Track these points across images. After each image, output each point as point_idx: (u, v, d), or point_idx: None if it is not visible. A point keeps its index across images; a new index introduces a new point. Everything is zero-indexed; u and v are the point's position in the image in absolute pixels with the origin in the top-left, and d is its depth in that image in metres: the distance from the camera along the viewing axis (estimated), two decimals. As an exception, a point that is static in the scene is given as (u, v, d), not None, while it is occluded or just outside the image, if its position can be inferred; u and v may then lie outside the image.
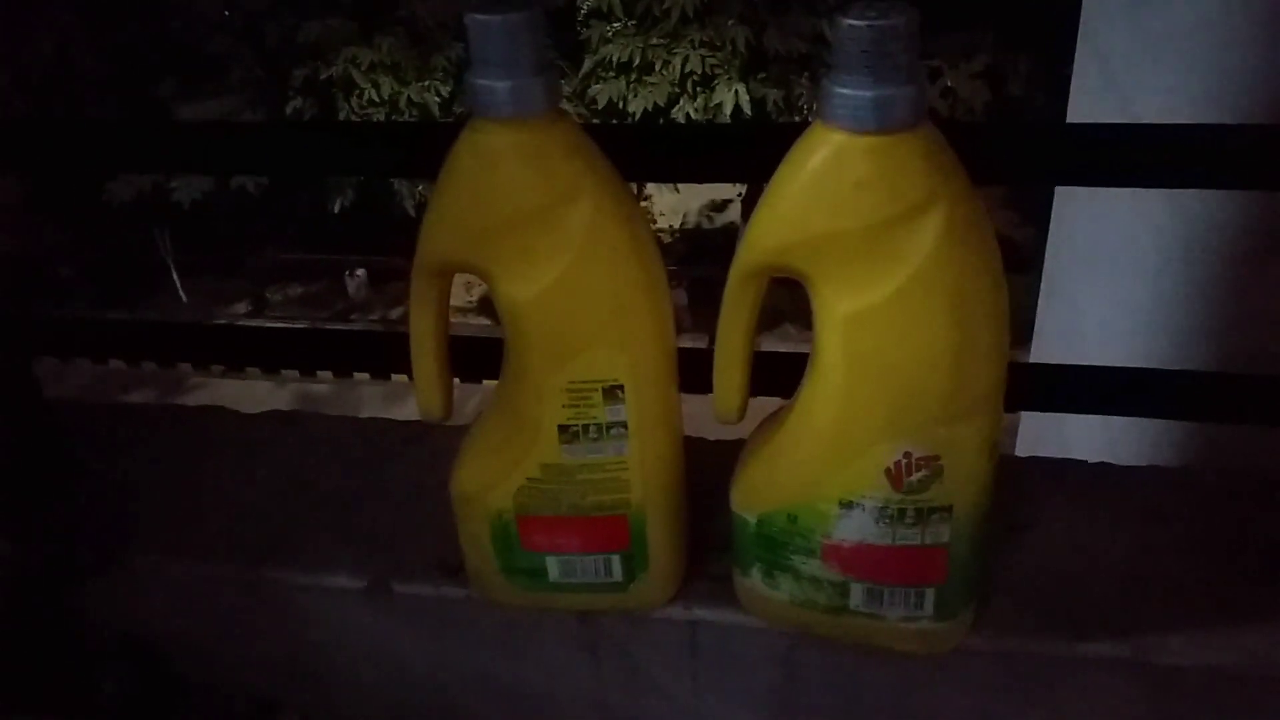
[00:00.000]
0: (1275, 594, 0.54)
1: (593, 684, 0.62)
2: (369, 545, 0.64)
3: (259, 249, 7.47)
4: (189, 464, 0.72)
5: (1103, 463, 0.64)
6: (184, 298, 7.59)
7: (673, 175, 0.72)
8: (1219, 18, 1.26)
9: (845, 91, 0.41)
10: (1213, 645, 0.52)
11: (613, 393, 0.49)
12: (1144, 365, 1.41)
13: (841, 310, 0.44)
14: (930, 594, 0.51)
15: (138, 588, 0.65)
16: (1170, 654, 0.53)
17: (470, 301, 7.19)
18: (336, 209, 6.24)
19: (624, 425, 0.50)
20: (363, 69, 5.65)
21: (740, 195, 5.73)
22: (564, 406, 0.50)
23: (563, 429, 0.51)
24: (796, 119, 4.98)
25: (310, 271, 7.85)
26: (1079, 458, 0.66)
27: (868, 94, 0.41)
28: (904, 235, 0.43)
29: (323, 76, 5.77)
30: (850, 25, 0.40)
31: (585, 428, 0.50)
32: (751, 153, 0.53)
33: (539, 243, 0.47)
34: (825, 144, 0.43)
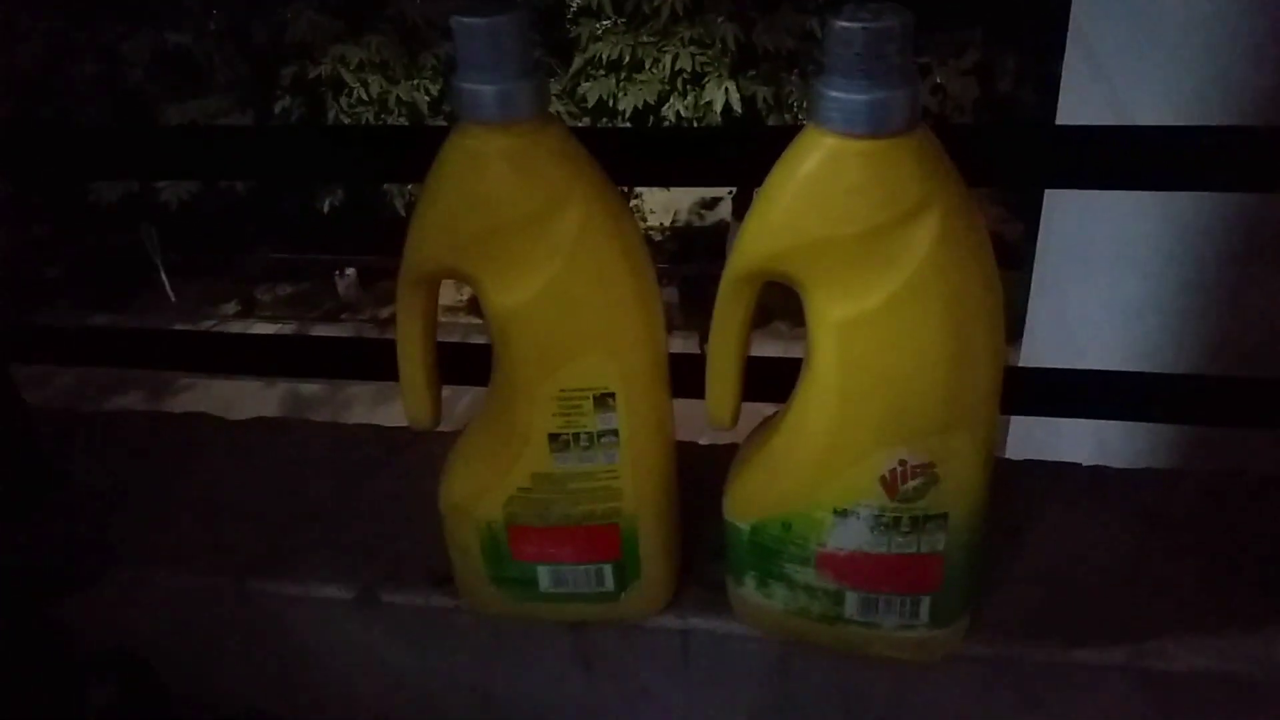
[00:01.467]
0: (1273, 599, 0.54)
1: (584, 694, 0.61)
2: (358, 555, 0.63)
3: (248, 249, 7.44)
4: (175, 472, 0.71)
5: (1098, 466, 0.64)
6: (172, 298, 7.55)
7: (663, 179, 0.71)
8: (1211, 17, 1.26)
9: (838, 95, 0.41)
10: (1211, 650, 0.52)
11: (604, 400, 0.49)
12: (1135, 362, 1.42)
13: (835, 316, 0.44)
14: (926, 602, 0.50)
15: (124, 600, 0.64)
16: (1168, 659, 0.52)
17: (460, 300, 7.18)
18: (326, 209, 6.21)
19: (615, 433, 0.50)
20: (351, 68, 5.63)
21: (731, 193, 5.73)
22: (554, 415, 0.49)
23: (553, 438, 0.50)
24: (787, 116, 4.97)
25: (300, 271, 7.82)
26: (1070, 459, 0.65)
27: (862, 97, 0.40)
28: (899, 240, 0.42)
29: (311, 75, 5.74)
30: (844, 27, 0.40)
31: (576, 436, 0.50)
32: (743, 156, 0.53)
33: (528, 249, 0.46)
34: (818, 148, 0.42)
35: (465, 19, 0.43)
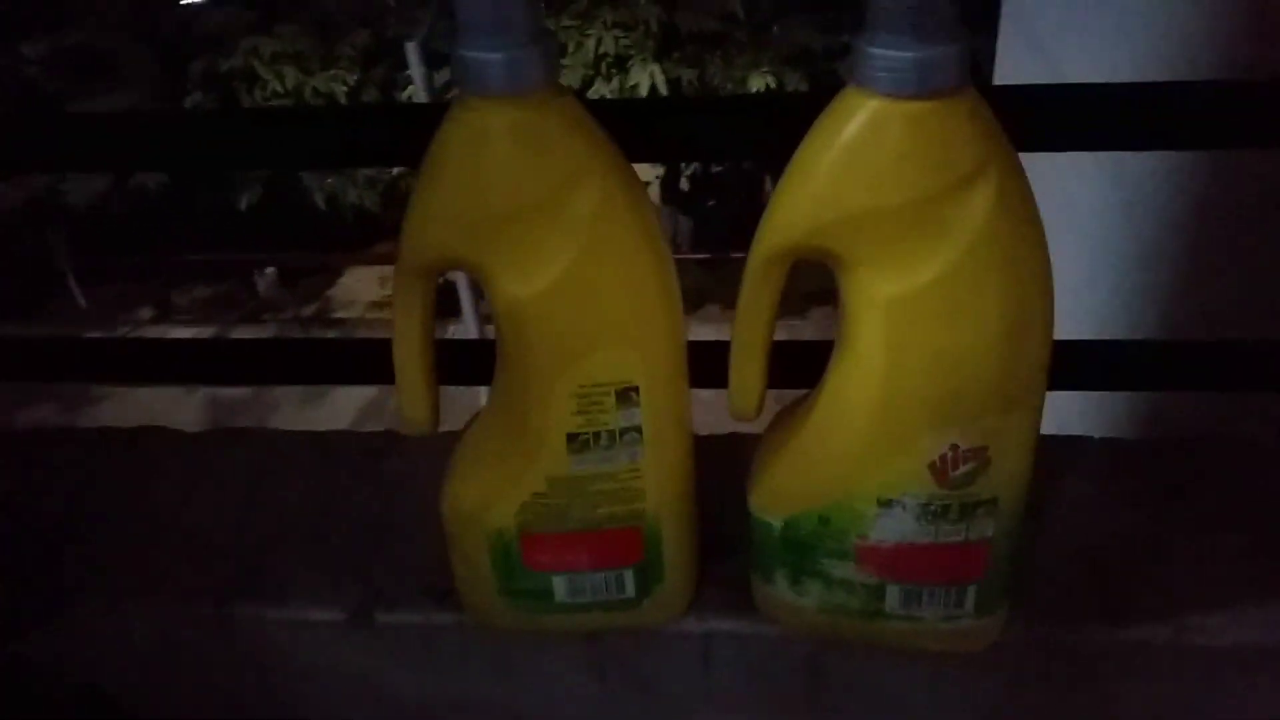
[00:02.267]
0: (1312, 566, 0.53)
1: (599, 705, 0.58)
2: (345, 572, 0.58)
3: (162, 250, 7.17)
4: (134, 493, 0.65)
5: (1111, 438, 0.62)
6: (83, 304, 7.25)
7: (682, 154, 0.67)
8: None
9: (885, 52, 0.37)
10: (1252, 622, 0.51)
11: (626, 395, 0.45)
12: (1088, 332, 1.42)
13: (883, 294, 0.41)
14: (971, 591, 0.48)
15: (91, 634, 0.58)
16: (1211, 634, 0.51)
17: (386, 295, 7.03)
18: (244, 206, 6.01)
19: (638, 430, 0.46)
20: (265, 60, 5.44)
21: (659, 177, 5.69)
22: (573, 413, 0.45)
23: (571, 438, 0.46)
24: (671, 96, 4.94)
25: (217, 272, 7.57)
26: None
27: (910, 55, 0.37)
28: (952, 209, 0.39)
29: (222, 69, 5.53)
30: (892, -20, 0.36)
31: (596, 435, 0.46)
32: (769, 127, 0.49)
33: (541, 234, 0.42)
34: (862, 110, 0.39)
35: (469, -21, 0.39)
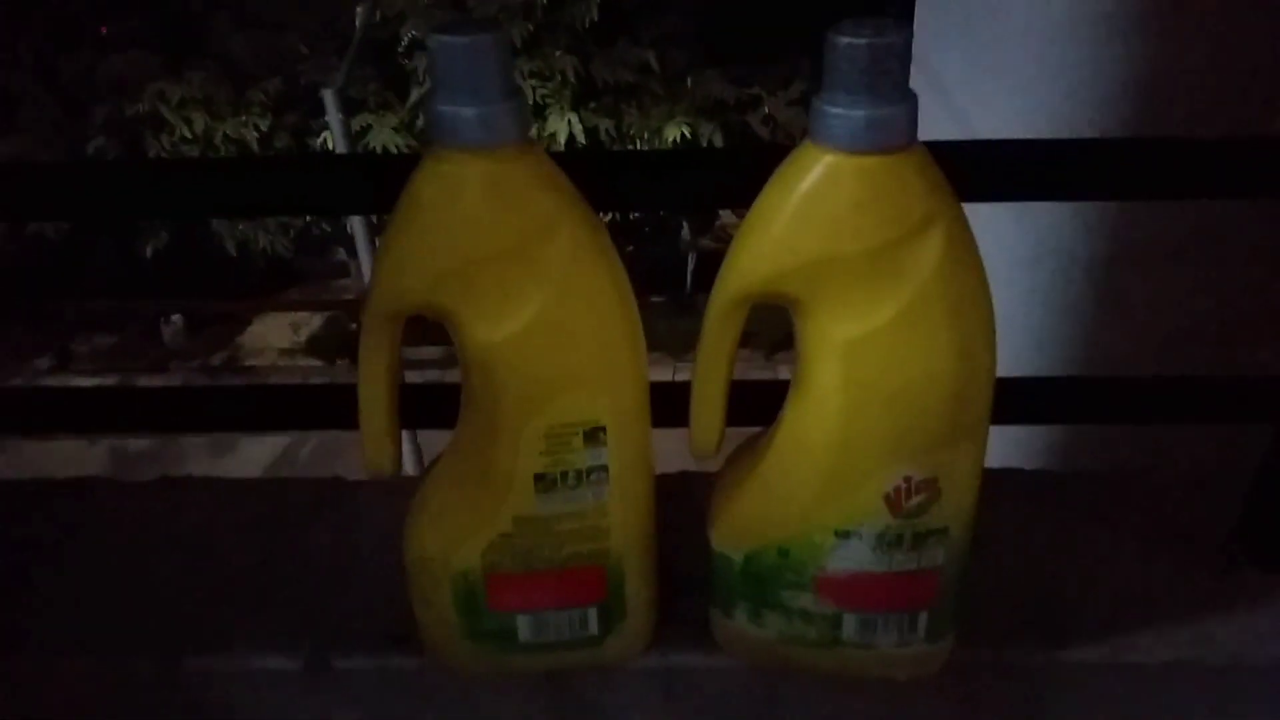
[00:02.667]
0: (1233, 585, 0.56)
1: (560, 746, 0.58)
2: (298, 619, 0.58)
3: (61, 298, 6.92)
4: (70, 545, 0.63)
5: (1041, 470, 0.66)
6: (-25, 355, 6.93)
7: (645, 204, 0.68)
8: (1051, 31, 1.34)
9: (841, 111, 0.40)
10: (1185, 640, 0.54)
11: (594, 435, 0.46)
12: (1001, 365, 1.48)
13: (840, 336, 0.43)
14: (924, 617, 0.50)
15: (31, 694, 0.56)
16: (1145, 652, 0.54)
17: (298, 342, 6.90)
18: (149, 253, 5.85)
19: (604, 469, 0.47)
20: (173, 105, 5.34)
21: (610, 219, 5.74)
22: (541, 454, 0.46)
23: (539, 478, 0.47)
24: (630, 147, 5.04)
25: (121, 320, 7.33)
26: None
27: (863, 113, 0.40)
28: (904, 256, 0.42)
29: (128, 114, 5.41)
30: (849, 44, 0.39)
31: (564, 475, 0.47)
32: (729, 178, 0.51)
33: (512, 281, 0.43)
34: (819, 164, 0.41)
35: (445, 38, 0.40)
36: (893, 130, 0.41)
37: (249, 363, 6.94)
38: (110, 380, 6.79)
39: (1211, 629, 0.54)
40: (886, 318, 0.42)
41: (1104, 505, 0.63)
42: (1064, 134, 1.29)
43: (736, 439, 0.54)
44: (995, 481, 0.65)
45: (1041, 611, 0.56)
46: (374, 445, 0.49)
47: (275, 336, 7.09)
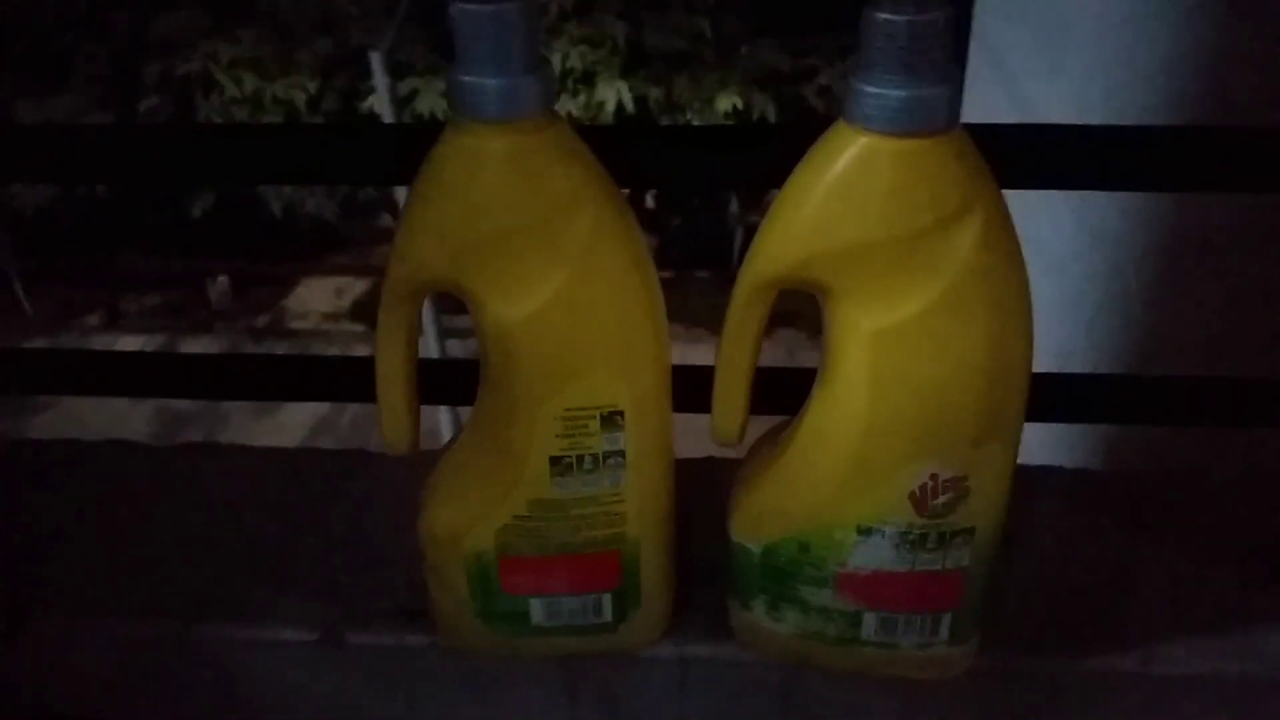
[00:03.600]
0: (1271, 596, 0.54)
1: (572, 729, 0.58)
2: (315, 592, 0.58)
3: (112, 256, 7.03)
4: (98, 508, 0.64)
5: (1081, 469, 0.64)
6: (28, 310, 7.08)
7: (672, 181, 0.67)
8: (1118, 15, 1.29)
9: (877, 90, 0.38)
10: (1216, 652, 0.52)
11: (612, 419, 0.45)
12: (1053, 362, 1.45)
13: (868, 326, 0.41)
14: (946, 619, 0.49)
15: (49, 653, 0.57)
16: (1175, 664, 0.52)
17: (342, 306, 6.96)
18: (197, 213, 5.92)
19: (622, 454, 0.46)
20: (223, 65, 5.37)
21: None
22: (557, 436, 0.45)
23: (555, 461, 0.46)
24: (679, 117, 4.97)
25: (168, 279, 7.43)
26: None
27: (902, 93, 0.38)
28: (938, 245, 0.40)
29: (179, 73, 5.45)
30: (887, 19, 0.37)
31: (580, 458, 0.46)
32: (759, 156, 0.50)
33: (533, 257, 0.42)
34: (853, 147, 0.39)
35: (469, 6, 0.39)
36: (931, 112, 0.39)
37: (293, 326, 7.02)
38: (157, 339, 6.91)
39: (1250, 642, 0.52)
40: (917, 308, 0.40)
41: (1146, 508, 0.61)
42: (1125, 119, 1.25)
43: (764, 426, 0.53)
44: (1032, 479, 0.63)
45: (1070, 617, 0.54)
46: (392, 423, 0.48)
47: (319, 300, 7.16)
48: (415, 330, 0.47)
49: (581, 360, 0.44)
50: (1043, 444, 1.32)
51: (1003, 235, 0.41)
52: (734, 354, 0.46)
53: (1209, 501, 0.61)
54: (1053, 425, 1.25)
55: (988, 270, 0.40)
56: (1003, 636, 0.53)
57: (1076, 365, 1.35)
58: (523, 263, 0.42)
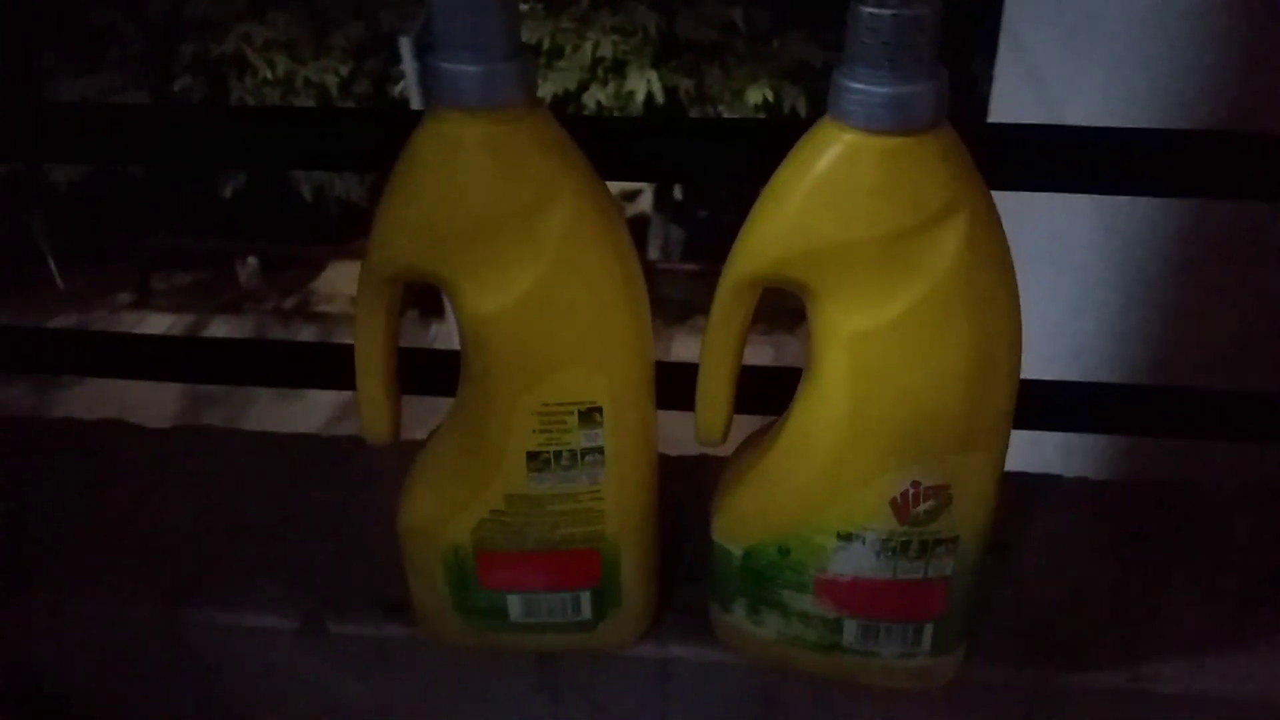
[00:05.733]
0: (1267, 615, 0.53)
1: (551, 725, 0.57)
2: (299, 580, 0.57)
3: (143, 234, 7.10)
4: (89, 486, 0.64)
5: (1080, 478, 0.62)
6: (61, 285, 7.17)
7: (658, 174, 0.66)
8: (1147, 16, 1.27)
9: (861, 87, 0.37)
10: (1209, 670, 0.51)
11: (590, 416, 0.44)
12: (1071, 363, 1.43)
13: (848, 328, 0.40)
14: (929, 629, 0.48)
15: (34, 629, 0.57)
16: (1167, 681, 0.50)
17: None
18: (228, 193, 5.97)
19: (600, 451, 0.45)
20: (256, 47, 5.40)
21: (654, 185, 5.69)
22: (534, 431, 0.45)
23: (532, 456, 0.45)
24: (709, 109, 4.94)
25: (199, 259, 7.50)
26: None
27: (886, 90, 0.37)
28: (922, 246, 0.39)
29: (213, 54, 5.49)
30: (871, 14, 0.36)
31: (557, 454, 0.45)
32: (750, 152, 0.49)
33: (510, 248, 0.41)
34: (837, 144, 0.38)
35: (447, -10, 0.38)
36: (915, 110, 0.37)
37: (321, 309, 7.05)
38: (186, 318, 6.97)
39: (1245, 661, 0.51)
40: (898, 311, 0.39)
41: (1143, 520, 0.59)
42: (1151, 121, 1.23)
43: (751, 426, 0.52)
44: (1028, 487, 0.62)
45: (1059, 629, 0.53)
46: (371, 413, 0.48)
47: (346, 283, 7.18)
48: (395, 319, 0.46)
49: (559, 354, 0.43)
50: (1055, 449, 1.30)
51: (989, 237, 0.39)
52: (717, 353, 0.45)
53: (1208, 515, 0.60)
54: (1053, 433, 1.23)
55: (972, 273, 0.39)
56: (991, 648, 0.52)
57: (1092, 366, 1.33)
58: (500, 254, 0.41)
